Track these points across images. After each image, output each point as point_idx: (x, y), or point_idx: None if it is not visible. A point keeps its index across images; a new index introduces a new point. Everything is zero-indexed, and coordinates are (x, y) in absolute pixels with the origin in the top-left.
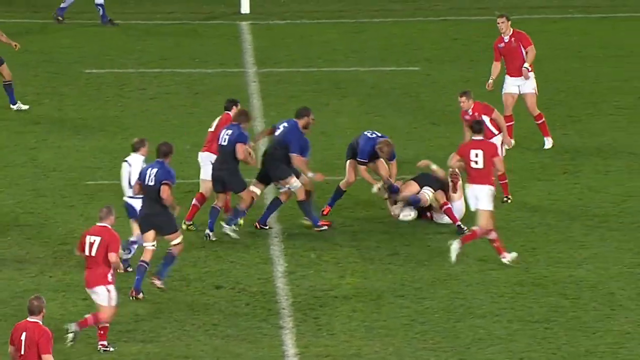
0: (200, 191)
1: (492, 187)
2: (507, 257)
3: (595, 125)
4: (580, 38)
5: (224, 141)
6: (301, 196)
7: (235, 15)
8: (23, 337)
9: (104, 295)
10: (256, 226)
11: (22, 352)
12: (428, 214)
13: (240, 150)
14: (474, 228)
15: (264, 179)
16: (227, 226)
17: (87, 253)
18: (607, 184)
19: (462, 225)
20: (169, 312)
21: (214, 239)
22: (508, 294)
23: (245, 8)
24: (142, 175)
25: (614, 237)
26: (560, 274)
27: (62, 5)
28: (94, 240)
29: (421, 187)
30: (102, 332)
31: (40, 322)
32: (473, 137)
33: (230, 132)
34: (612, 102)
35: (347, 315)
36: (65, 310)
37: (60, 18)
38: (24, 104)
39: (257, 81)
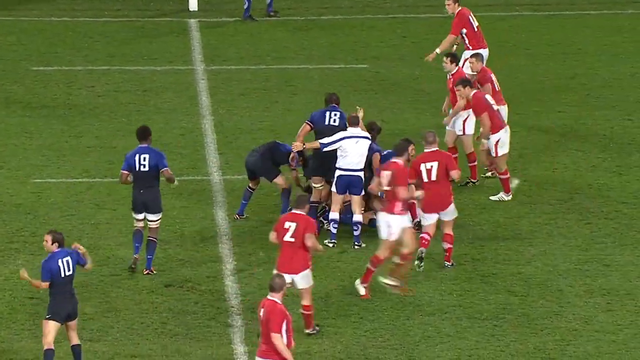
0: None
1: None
2: (388, 280)
3: (542, 122)
4: (528, 35)
5: None
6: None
7: (183, 12)
8: (262, 314)
9: (308, 278)
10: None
11: (263, 325)
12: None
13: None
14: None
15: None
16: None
17: (285, 239)
18: (554, 180)
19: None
20: (117, 311)
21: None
22: (457, 291)
23: (193, 5)
24: (130, 163)
25: (561, 234)
26: (508, 271)
27: None
28: (290, 226)
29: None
30: (310, 319)
31: (278, 301)
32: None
33: None
34: (559, 99)
35: (296, 313)
36: (12, 309)
37: None
38: None
39: (206, 78)
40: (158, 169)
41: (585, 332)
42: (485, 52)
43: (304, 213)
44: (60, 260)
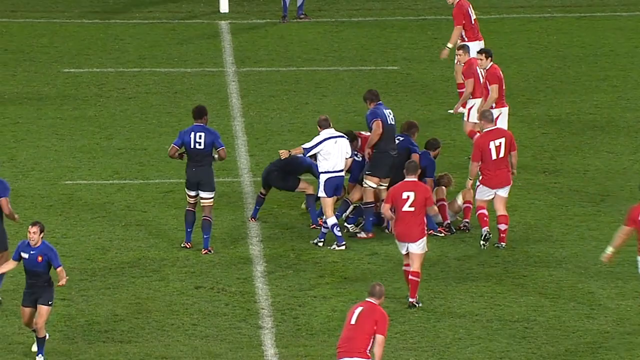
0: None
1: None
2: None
3: (574, 124)
4: (559, 37)
5: None
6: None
7: (214, 14)
8: (358, 311)
9: (423, 244)
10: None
11: (353, 322)
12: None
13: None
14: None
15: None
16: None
17: (404, 208)
18: (586, 183)
19: (451, 224)
20: (148, 312)
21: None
22: (487, 293)
23: (224, 7)
24: (185, 140)
25: (593, 237)
26: (539, 273)
27: None
28: (409, 196)
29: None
30: (416, 287)
31: (378, 304)
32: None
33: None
34: (591, 101)
35: (326, 315)
36: None
37: None
38: (3, 103)
39: (237, 80)
40: (213, 147)
41: (617, 334)
42: (480, 44)
43: (417, 179)
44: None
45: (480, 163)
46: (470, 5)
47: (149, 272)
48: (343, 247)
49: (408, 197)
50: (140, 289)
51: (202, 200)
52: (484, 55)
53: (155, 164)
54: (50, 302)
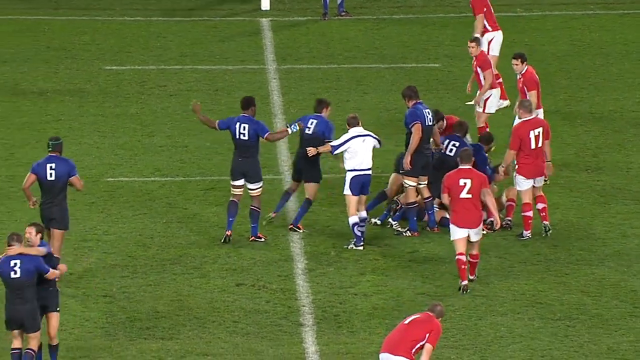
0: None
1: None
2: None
3: (617, 121)
4: (601, 34)
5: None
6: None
7: (255, 11)
8: (415, 316)
9: (481, 231)
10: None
11: (407, 323)
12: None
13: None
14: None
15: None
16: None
17: (462, 195)
18: (629, 181)
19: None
20: (189, 309)
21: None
22: (529, 291)
23: (265, 5)
24: (233, 130)
25: (635, 234)
26: (582, 271)
27: None
28: (466, 183)
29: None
30: (475, 266)
31: (434, 317)
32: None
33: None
34: (633, 98)
35: (367, 312)
36: (86, 307)
37: None
38: (45, 100)
39: (278, 78)
40: (258, 137)
41: None
42: (500, 34)
43: (471, 167)
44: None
45: (516, 152)
46: None
47: (190, 269)
48: (361, 248)
49: (465, 184)
50: (182, 286)
51: (250, 191)
52: (519, 59)
53: (197, 161)
54: (58, 309)
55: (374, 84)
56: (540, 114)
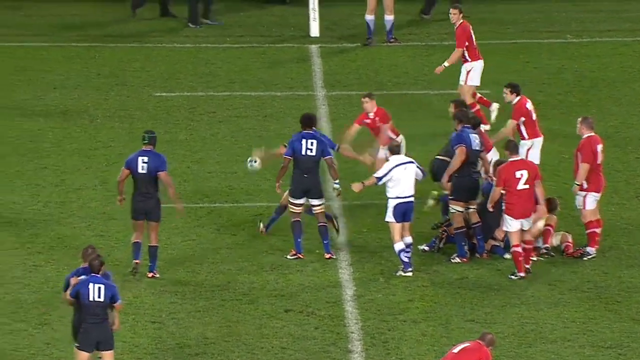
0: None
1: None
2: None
3: None
4: None
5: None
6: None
7: (304, 38)
8: (464, 345)
9: (531, 221)
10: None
11: (456, 352)
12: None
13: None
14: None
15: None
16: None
17: (520, 187)
18: None
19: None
20: (238, 336)
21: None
22: (580, 319)
23: (314, 31)
24: (296, 148)
25: None
26: (633, 299)
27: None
28: (522, 174)
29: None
30: (530, 254)
31: (484, 345)
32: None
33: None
34: None
35: (416, 339)
36: (135, 333)
37: None
38: (95, 127)
39: (327, 104)
40: (323, 155)
41: None
42: (481, 64)
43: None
44: (92, 285)
45: (589, 166)
46: (471, 27)
47: (238, 295)
48: (410, 274)
49: (522, 175)
50: (230, 312)
51: (314, 208)
52: (509, 89)
53: (245, 187)
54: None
55: (423, 111)
56: (536, 143)
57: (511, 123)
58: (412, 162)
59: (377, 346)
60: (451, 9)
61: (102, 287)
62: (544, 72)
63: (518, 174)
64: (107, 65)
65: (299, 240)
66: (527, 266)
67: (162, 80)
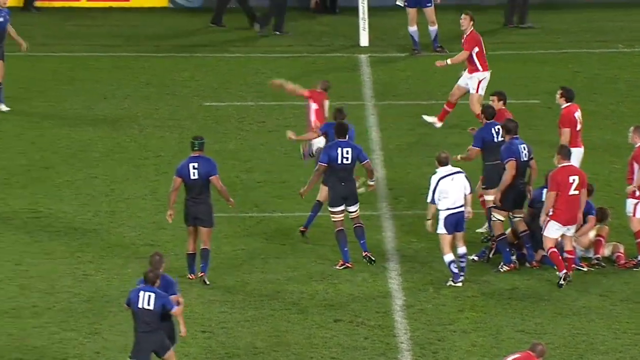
0: None
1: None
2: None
3: None
4: None
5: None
6: None
7: (354, 47)
8: (515, 356)
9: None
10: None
11: None
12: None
13: None
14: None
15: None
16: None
17: (571, 192)
18: None
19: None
20: (287, 345)
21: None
22: (632, 330)
23: (364, 41)
24: (332, 156)
25: None
26: None
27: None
28: (574, 179)
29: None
30: (572, 262)
31: (535, 356)
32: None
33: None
34: None
35: (466, 350)
36: (185, 343)
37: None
38: (145, 136)
39: (376, 114)
40: (360, 160)
41: None
42: (488, 74)
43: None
44: (142, 292)
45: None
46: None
47: (288, 305)
48: (459, 284)
49: (574, 180)
50: (280, 322)
51: (350, 214)
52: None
53: (295, 197)
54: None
55: (473, 120)
56: (576, 153)
57: (564, 132)
58: (460, 172)
59: (427, 356)
60: (463, 15)
61: (153, 295)
62: (595, 82)
63: (571, 179)
64: (156, 75)
65: (345, 249)
66: (569, 273)
67: (212, 90)
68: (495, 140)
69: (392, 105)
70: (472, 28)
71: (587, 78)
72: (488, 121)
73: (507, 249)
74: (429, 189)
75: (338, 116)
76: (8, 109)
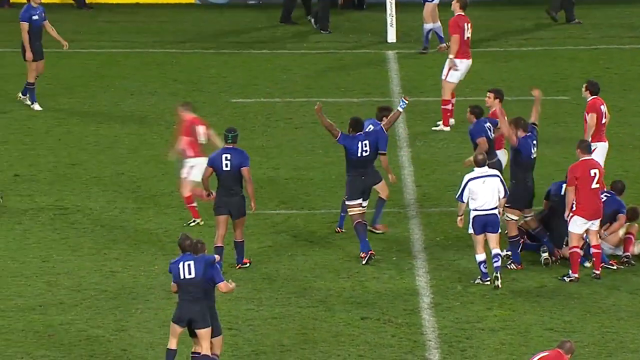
0: None
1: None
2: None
3: None
4: None
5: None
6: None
7: (381, 44)
8: (544, 354)
9: (598, 222)
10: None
11: None
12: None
13: None
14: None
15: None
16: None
17: (593, 186)
18: None
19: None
20: (314, 343)
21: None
22: None
23: (391, 37)
24: (354, 149)
25: None
26: None
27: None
28: (595, 173)
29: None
30: (599, 258)
31: (564, 354)
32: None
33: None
34: None
35: (494, 348)
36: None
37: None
38: (172, 133)
39: (403, 110)
40: (377, 153)
41: None
42: (468, 63)
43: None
44: (182, 263)
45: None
46: (468, 23)
47: (315, 303)
48: (488, 283)
49: (595, 174)
50: (307, 319)
51: (362, 208)
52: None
53: (322, 194)
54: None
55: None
56: (600, 147)
57: (591, 118)
58: (496, 176)
59: (455, 354)
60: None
61: (192, 262)
62: (626, 78)
63: (592, 172)
64: (184, 72)
65: (365, 240)
66: (597, 272)
67: (239, 87)
68: (489, 136)
69: (419, 102)
70: (461, 12)
71: (618, 74)
72: (477, 119)
73: (518, 250)
74: (459, 186)
75: (378, 115)
76: (40, 108)
